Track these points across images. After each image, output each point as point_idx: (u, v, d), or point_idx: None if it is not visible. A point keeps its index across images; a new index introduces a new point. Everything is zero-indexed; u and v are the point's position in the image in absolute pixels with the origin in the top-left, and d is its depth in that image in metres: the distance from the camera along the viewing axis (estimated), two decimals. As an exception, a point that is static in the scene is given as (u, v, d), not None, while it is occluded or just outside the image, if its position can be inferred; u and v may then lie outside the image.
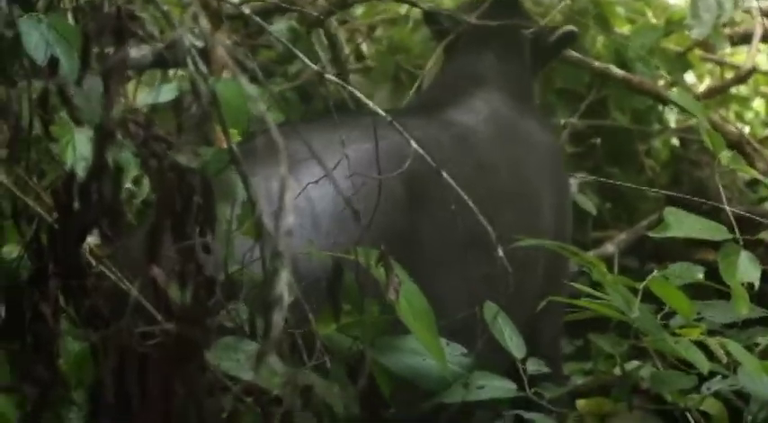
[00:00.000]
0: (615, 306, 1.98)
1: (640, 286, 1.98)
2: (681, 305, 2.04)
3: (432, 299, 2.07)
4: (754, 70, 3.34)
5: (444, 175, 2.02)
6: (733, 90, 4.22)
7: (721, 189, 2.35)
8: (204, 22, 3.34)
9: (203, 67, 1.79)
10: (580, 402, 2.07)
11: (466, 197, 2.04)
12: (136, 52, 3.52)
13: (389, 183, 2.27)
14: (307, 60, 2.06)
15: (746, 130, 4.18)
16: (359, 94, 2.07)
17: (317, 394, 1.96)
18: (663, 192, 2.88)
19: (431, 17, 3.31)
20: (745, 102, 4.13)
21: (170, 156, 1.70)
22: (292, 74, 3.66)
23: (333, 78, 2.10)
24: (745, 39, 3.81)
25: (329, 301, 2.12)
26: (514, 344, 2.09)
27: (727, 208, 2.20)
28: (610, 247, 3.58)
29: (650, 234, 2.16)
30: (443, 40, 3.27)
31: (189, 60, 1.82)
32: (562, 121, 3.68)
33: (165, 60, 3.64)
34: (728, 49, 3.93)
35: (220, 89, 2.05)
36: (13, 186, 1.84)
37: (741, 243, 2.11)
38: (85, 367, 1.80)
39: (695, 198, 2.65)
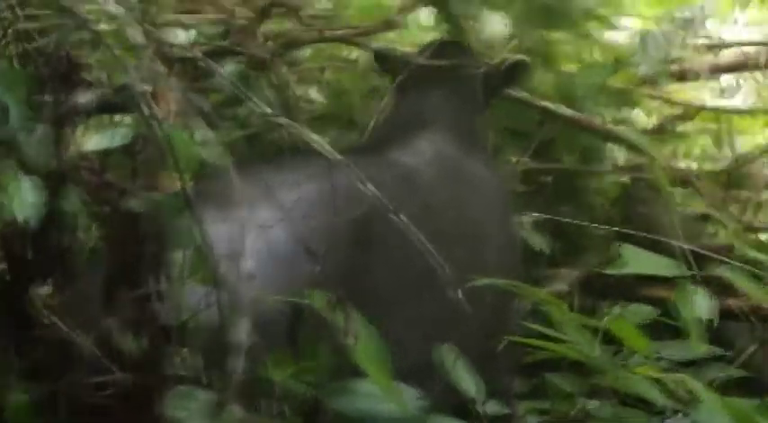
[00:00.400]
0: (574, 346, 1.97)
1: (599, 325, 1.97)
2: (638, 344, 2.03)
3: (384, 340, 2.05)
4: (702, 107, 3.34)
5: (399, 216, 2.00)
6: (680, 127, 4.25)
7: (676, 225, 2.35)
8: (154, 67, 3.34)
9: (156, 112, 1.76)
10: (537, 445, 2.05)
11: (421, 237, 2.00)
12: (82, 97, 3.49)
13: (339, 225, 2.25)
14: (258, 103, 2.03)
15: (694, 165, 4.20)
16: (312, 136, 2.03)
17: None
18: (614, 228, 2.86)
19: (381, 58, 3.32)
20: (689, 139, 4.14)
21: (122, 202, 1.67)
22: (241, 117, 3.63)
23: (283, 120, 2.06)
24: (694, 75, 3.86)
25: (287, 346, 2.11)
26: (470, 385, 2.07)
27: (681, 244, 2.20)
28: (561, 285, 3.57)
29: (607, 271, 2.15)
30: (395, 80, 3.28)
31: (142, 105, 1.78)
32: (513, 160, 3.67)
33: (112, 105, 3.62)
34: (675, 86, 3.95)
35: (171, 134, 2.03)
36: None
37: (697, 279, 2.10)
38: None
39: (647, 234, 2.65)
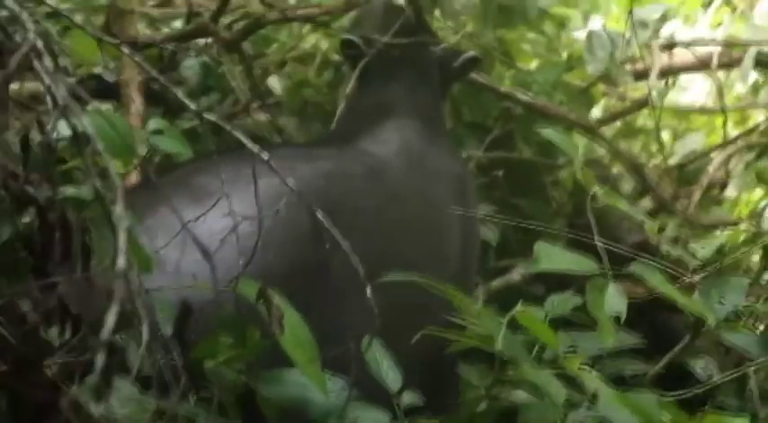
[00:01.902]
0: (484, 337, 1.97)
1: (505, 319, 1.97)
2: (547, 337, 2.03)
3: (344, 326, 2.07)
4: (647, 102, 3.33)
5: (319, 215, 2.00)
6: (640, 122, 4.25)
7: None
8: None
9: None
10: (449, 434, 2.05)
11: (338, 234, 2.00)
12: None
13: (295, 216, 2.23)
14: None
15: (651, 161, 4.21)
16: (239, 134, 2.02)
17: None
18: (552, 227, 2.86)
19: (347, 43, 3.29)
20: (648, 134, 4.14)
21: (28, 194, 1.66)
22: (204, 107, 3.63)
23: (212, 117, 2.05)
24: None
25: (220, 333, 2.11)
26: (390, 377, 2.07)
27: (599, 243, 2.19)
28: (515, 276, 3.56)
29: (523, 270, 2.15)
30: (363, 74, 3.27)
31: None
32: (468, 154, 3.66)
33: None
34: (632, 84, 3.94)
35: (98, 123, 2.02)
36: None
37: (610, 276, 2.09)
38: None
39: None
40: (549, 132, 2.38)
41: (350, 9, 3.23)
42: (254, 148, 2.08)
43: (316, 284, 2.28)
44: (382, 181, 2.78)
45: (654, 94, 3.25)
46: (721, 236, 2.36)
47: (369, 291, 1.98)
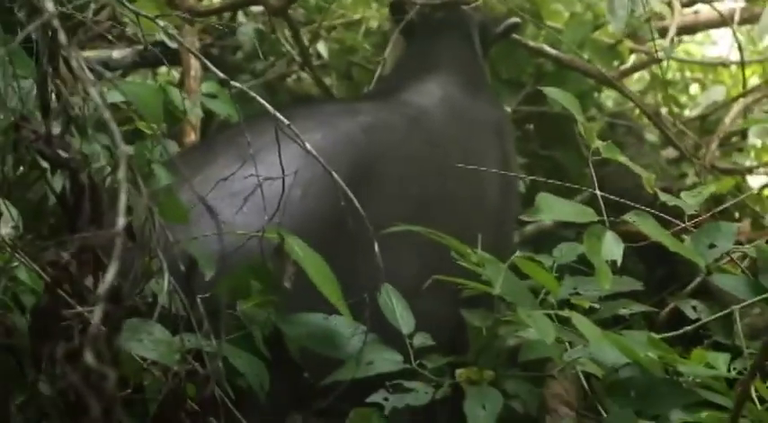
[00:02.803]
0: (488, 282, 1.97)
1: (505, 265, 1.96)
2: (547, 282, 2.03)
3: (384, 264, 2.07)
4: (667, 57, 3.27)
5: (334, 176, 2.01)
6: (669, 75, 4.18)
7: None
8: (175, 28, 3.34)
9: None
10: (458, 371, 2.05)
11: (350, 194, 2.01)
12: (117, 53, 3.53)
13: (336, 167, 2.25)
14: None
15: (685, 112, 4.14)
16: (263, 101, 2.03)
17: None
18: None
19: (395, 7, 3.29)
20: (676, 86, 4.08)
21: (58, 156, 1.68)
22: (259, 71, 3.65)
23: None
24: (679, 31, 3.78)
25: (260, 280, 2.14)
26: (403, 320, 2.08)
27: (598, 193, 2.17)
28: (545, 220, 3.53)
29: (524, 218, 2.14)
30: (404, 32, 3.28)
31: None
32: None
33: (146, 60, 3.65)
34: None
35: (134, 90, 2.04)
36: None
37: (607, 224, 2.08)
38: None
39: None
40: (550, 90, 2.37)
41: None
42: (278, 114, 2.09)
43: (357, 226, 2.28)
44: (423, 129, 2.79)
45: (667, 49, 3.17)
46: (710, 186, 2.31)
47: (376, 246, 1.98)
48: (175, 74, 4.00)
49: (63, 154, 1.73)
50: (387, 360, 2.03)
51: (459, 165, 2.78)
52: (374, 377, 2.10)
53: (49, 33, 1.70)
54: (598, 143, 2.25)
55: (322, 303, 2.08)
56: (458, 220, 2.67)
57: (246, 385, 2.01)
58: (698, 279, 2.71)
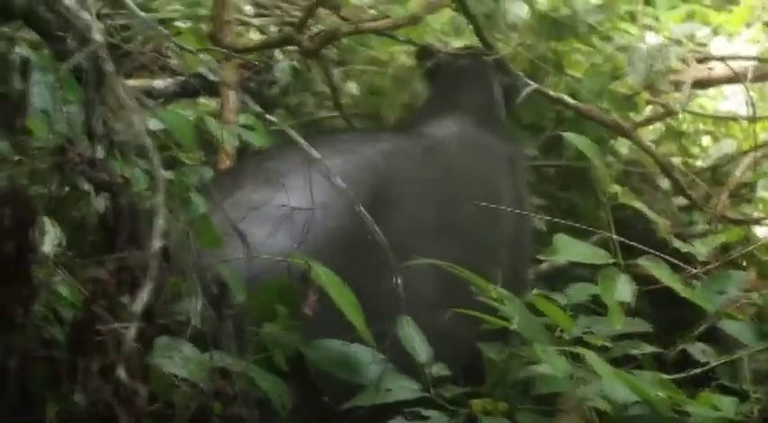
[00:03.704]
0: (504, 317, 1.95)
1: (522, 302, 1.95)
2: (562, 321, 2.01)
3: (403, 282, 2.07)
4: (682, 110, 3.26)
5: (360, 208, 2.00)
6: (683, 127, 4.16)
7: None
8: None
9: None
10: (473, 402, 2.03)
11: (373, 224, 1.99)
12: (159, 83, 3.55)
13: (356, 190, 2.24)
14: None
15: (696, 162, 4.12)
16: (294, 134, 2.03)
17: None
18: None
19: (423, 53, 3.31)
20: (689, 137, 4.05)
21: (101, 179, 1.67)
22: (293, 105, 3.66)
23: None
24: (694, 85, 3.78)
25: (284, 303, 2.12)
26: (419, 349, 2.06)
27: (614, 237, 2.15)
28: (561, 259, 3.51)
29: (541, 257, 2.12)
30: (428, 77, 3.29)
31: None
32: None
33: (185, 90, 3.66)
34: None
35: (171, 119, 2.05)
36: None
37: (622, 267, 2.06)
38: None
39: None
40: (572, 137, 2.35)
41: (415, 22, 3.22)
42: (301, 141, 2.09)
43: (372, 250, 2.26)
44: (439, 157, 2.81)
45: (682, 102, 3.17)
46: (721, 235, 2.29)
47: (397, 279, 1.97)
48: (213, 104, 4.02)
49: (105, 177, 1.73)
50: (405, 387, 2.01)
51: (473, 191, 2.79)
52: (388, 404, 2.08)
53: (97, 62, 1.70)
54: (616, 188, 2.24)
55: (338, 327, 2.07)
56: (473, 246, 2.67)
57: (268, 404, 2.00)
58: (705, 324, 2.69)
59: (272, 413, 1.98)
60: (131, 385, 1.20)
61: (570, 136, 2.34)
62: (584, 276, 3.51)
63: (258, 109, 2.09)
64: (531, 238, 3.16)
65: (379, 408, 2.04)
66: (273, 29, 3.73)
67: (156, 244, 1.28)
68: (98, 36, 1.50)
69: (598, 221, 3.73)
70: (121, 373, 1.19)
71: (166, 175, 1.87)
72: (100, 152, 1.73)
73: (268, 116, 2.08)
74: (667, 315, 3.34)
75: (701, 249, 2.20)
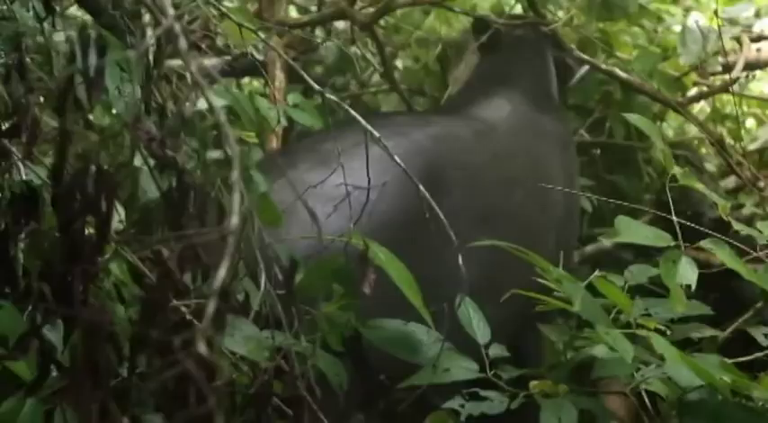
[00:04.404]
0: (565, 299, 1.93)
1: (583, 284, 1.92)
2: (621, 302, 1.99)
3: (449, 265, 2.05)
4: (731, 84, 3.21)
5: (421, 188, 1.98)
6: (727, 110, 4.11)
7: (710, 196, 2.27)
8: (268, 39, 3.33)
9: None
10: (532, 383, 2.01)
11: (434, 206, 1.97)
12: (207, 62, 3.53)
13: (411, 172, 2.23)
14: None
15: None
16: (352, 112, 2.01)
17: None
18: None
19: (479, 26, 3.23)
20: (735, 120, 4.00)
21: (167, 156, 1.66)
22: (339, 85, 3.64)
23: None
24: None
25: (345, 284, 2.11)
26: (479, 330, 2.04)
27: (674, 218, 2.13)
28: (606, 242, 3.48)
29: (602, 240, 2.10)
30: (483, 49, 3.22)
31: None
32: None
33: (234, 70, 3.65)
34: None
35: (231, 96, 2.04)
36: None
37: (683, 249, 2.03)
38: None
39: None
40: (634, 117, 2.32)
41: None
42: (363, 122, 2.07)
43: (423, 232, 2.25)
44: (489, 141, 2.79)
45: (737, 83, 3.12)
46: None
47: (460, 259, 1.95)
48: (256, 84, 4.01)
49: (171, 154, 1.72)
50: (463, 368, 1.99)
51: (524, 177, 2.76)
52: (440, 385, 2.07)
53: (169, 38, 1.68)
54: (676, 170, 2.21)
55: (392, 309, 2.06)
56: (521, 231, 2.65)
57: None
58: (757, 305, 2.67)
59: (330, 392, 1.98)
60: (213, 361, 1.19)
61: (632, 117, 2.31)
62: (628, 259, 3.51)
63: (318, 88, 2.05)
64: (578, 220, 3.14)
65: (436, 387, 2.03)
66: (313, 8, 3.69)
67: (234, 220, 1.26)
68: (171, 11, 1.48)
69: (642, 204, 3.73)
70: (201, 348, 1.17)
71: (239, 150, 1.86)
72: (164, 129, 1.71)
73: (329, 95, 2.04)
74: (710, 297, 3.33)
75: (766, 232, 2.17)
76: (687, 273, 1.97)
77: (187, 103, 1.69)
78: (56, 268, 1.69)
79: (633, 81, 3.31)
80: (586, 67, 3.27)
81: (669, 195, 2.19)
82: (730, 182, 3.80)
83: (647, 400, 2.15)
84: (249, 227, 1.82)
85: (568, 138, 3.17)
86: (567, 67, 3.28)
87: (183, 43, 1.48)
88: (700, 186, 2.24)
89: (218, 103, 2.13)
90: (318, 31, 3.71)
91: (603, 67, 3.30)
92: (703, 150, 3.94)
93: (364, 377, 2.11)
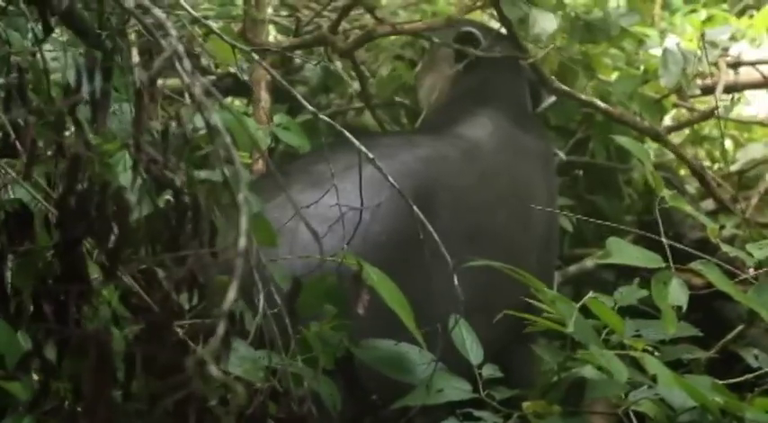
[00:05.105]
0: (557, 320, 1.94)
1: (576, 306, 1.93)
2: (613, 323, 2.00)
3: (440, 286, 2.09)
4: (712, 113, 3.24)
5: (415, 209, 1.98)
6: (706, 131, 4.15)
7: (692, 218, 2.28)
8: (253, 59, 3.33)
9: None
10: (525, 404, 2.01)
11: (428, 225, 1.97)
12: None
13: (398, 196, 2.23)
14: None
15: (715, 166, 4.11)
16: (346, 132, 2.01)
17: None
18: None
19: (463, 38, 3.18)
20: (713, 142, 4.05)
21: (167, 177, 1.65)
22: (323, 105, 3.65)
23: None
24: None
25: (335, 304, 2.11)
26: (472, 351, 2.05)
27: (664, 240, 2.14)
28: (588, 263, 3.50)
29: (595, 260, 2.11)
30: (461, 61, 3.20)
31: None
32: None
33: (217, 90, 3.64)
34: (701, 98, 3.84)
35: (227, 119, 2.03)
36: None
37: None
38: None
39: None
40: (623, 140, 2.34)
41: (451, 25, 3.19)
42: (358, 144, 2.07)
43: (417, 249, 2.25)
44: (475, 161, 2.80)
45: (720, 106, 3.16)
46: (773, 240, 2.29)
47: (455, 279, 1.95)
48: (238, 104, 4.00)
49: (171, 175, 1.71)
50: (456, 388, 1.99)
51: (509, 196, 2.78)
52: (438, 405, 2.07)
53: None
54: (666, 192, 2.22)
55: (384, 329, 2.06)
56: (505, 250, 2.66)
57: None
58: (740, 327, 2.69)
59: (323, 412, 1.97)
60: (225, 381, 1.19)
61: (622, 139, 2.33)
62: (609, 280, 3.53)
63: (312, 109, 2.05)
64: (558, 239, 3.15)
65: (429, 408, 2.03)
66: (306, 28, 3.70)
67: (242, 242, 1.26)
68: (174, 32, 1.48)
69: (623, 225, 3.74)
70: (213, 369, 1.17)
71: (246, 174, 1.86)
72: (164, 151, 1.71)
73: (322, 116, 2.05)
74: (694, 320, 3.35)
75: (756, 253, 2.18)
76: (678, 294, 1.99)
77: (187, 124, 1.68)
78: (51, 288, 1.69)
79: (613, 112, 3.33)
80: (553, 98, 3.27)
81: (658, 217, 2.21)
82: (710, 203, 3.82)
83: (634, 422, 2.16)
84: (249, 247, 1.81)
85: (549, 156, 3.19)
86: (537, 92, 3.28)
87: (187, 64, 1.48)
88: (688, 208, 2.25)
89: (221, 123, 2.14)
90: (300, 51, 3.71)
91: (583, 97, 3.31)
92: (682, 172, 3.97)
93: (356, 397, 2.11)
